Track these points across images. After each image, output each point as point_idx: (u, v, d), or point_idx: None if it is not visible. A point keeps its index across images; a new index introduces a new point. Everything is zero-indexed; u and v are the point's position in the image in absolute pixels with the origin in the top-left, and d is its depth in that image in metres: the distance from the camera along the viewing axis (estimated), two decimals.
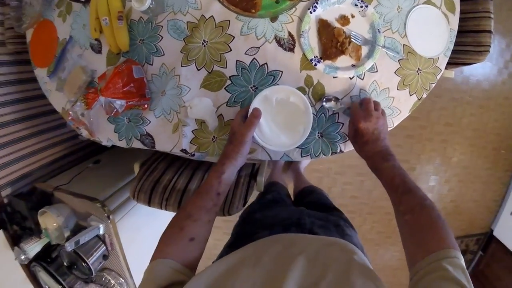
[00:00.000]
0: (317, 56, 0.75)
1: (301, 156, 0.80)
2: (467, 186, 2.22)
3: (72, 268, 1.10)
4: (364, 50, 0.77)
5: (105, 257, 1.13)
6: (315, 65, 0.74)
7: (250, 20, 0.76)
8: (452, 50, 0.82)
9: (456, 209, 2.26)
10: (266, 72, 0.77)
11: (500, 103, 2.10)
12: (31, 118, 1.25)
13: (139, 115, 0.87)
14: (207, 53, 0.79)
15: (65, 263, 1.10)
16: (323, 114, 0.78)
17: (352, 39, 0.75)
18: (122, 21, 0.83)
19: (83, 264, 1.05)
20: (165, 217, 0.90)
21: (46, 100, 1.02)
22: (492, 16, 0.92)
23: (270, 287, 0.40)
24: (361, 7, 0.74)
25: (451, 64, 0.96)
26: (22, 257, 1.11)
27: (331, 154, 0.80)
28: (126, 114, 0.88)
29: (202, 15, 0.78)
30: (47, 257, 1.20)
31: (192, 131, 0.82)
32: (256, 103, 0.69)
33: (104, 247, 1.12)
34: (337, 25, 0.75)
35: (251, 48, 0.77)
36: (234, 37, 0.77)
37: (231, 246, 0.68)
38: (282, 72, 0.77)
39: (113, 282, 1.19)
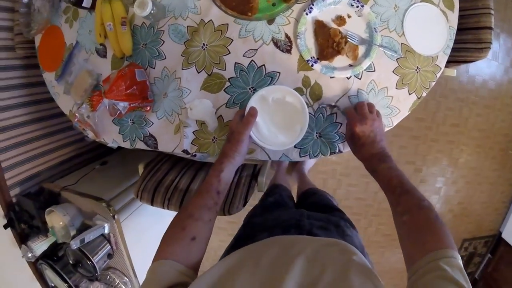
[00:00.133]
0: (314, 57, 0.76)
1: (300, 156, 0.81)
2: (474, 188, 2.18)
3: (77, 266, 1.13)
4: (361, 49, 0.78)
5: (109, 256, 1.16)
6: (312, 65, 0.76)
7: (248, 23, 0.78)
8: (453, 48, 0.82)
9: (464, 211, 2.22)
10: (264, 73, 0.79)
11: (507, 103, 2.06)
12: (40, 120, 1.30)
13: (143, 117, 0.89)
14: (206, 56, 0.81)
15: (70, 261, 1.13)
16: (321, 114, 0.79)
17: (348, 39, 0.75)
18: (125, 26, 0.86)
19: (88, 262, 1.07)
20: (170, 218, 0.91)
21: (54, 103, 1.06)
22: (492, 12, 0.90)
23: None
24: (357, 7, 0.75)
25: (452, 62, 0.95)
26: (29, 255, 1.14)
27: (330, 154, 0.81)
28: (130, 115, 0.91)
29: (202, 19, 0.81)
30: (54, 256, 1.23)
31: (193, 132, 0.84)
32: (252, 103, 0.70)
33: (109, 246, 1.15)
34: (333, 25, 0.76)
35: (249, 50, 0.79)
36: (232, 40, 0.79)
37: (232, 249, 0.69)
38: (279, 73, 0.78)
39: (117, 281, 1.21)
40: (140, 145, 0.91)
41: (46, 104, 1.30)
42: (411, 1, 0.78)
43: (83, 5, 0.90)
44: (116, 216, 1.12)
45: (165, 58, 0.86)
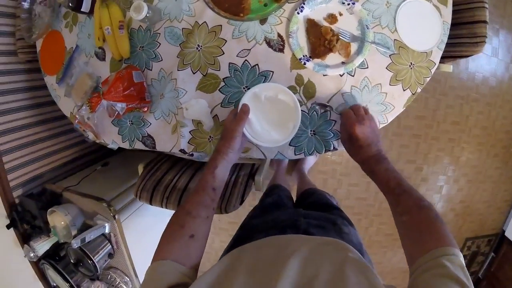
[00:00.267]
0: (306, 55, 0.77)
1: (295, 154, 0.82)
2: (476, 186, 2.16)
3: (78, 265, 1.14)
4: (354, 47, 0.78)
5: (110, 255, 1.17)
6: (305, 64, 0.77)
7: (241, 24, 0.79)
8: (448, 43, 0.81)
9: (466, 210, 2.19)
10: (258, 72, 0.80)
11: (508, 99, 2.04)
12: (43, 123, 1.32)
13: (141, 118, 0.91)
14: (201, 57, 0.83)
15: (72, 260, 1.15)
16: (315, 112, 0.80)
17: (340, 37, 0.76)
18: (123, 30, 0.89)
19: (89, 261, 1.09)
20: (170, 218, 0.93)
21: (56, 106, 1.08)
22: (486, 6, 0.89)
23: None
24: (348, 4, 0.76)
25: (448, 57, 0.95)
26: (31, 255, 1.16)
27: (325, 152, 0.82)
28: (129, 116, 0.93)
29: (196, 21, 0.82)
30: (56, 256, 1.25)
31: (189, 132, 0.86)
32: (245, 100, 0.71)
33: (110, 245, 1.17)
34: (325, 24, 0.77)
35: (242, 50, 0.80)
36: (226, 41, 0.81)
37: (231, 250, 0.69)
38: (273, 72, 0.79)
39: (118, 280, 1.23)
40: (139, 145, 0.92)
41: (48, 107, 1.33)
42: None
43: (82, 10, 0.93)
44: (116, 216, 1.14)
45: (162, 60, 0.88)
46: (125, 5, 0.90)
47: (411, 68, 0.80)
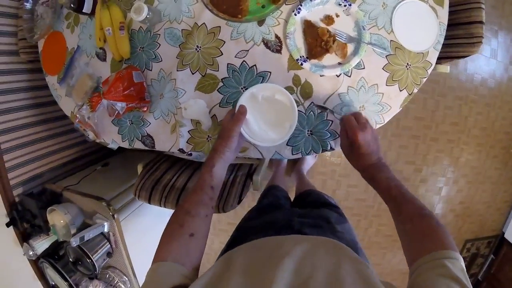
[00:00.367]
0: (303, 56, 0.78)
1: (292, 154, 0.83)
2: (476, 187, 2.16)
3: (77, 264, 1.15)
4: (350, 47, 0.79)
5: (109, 254, 1.18)
6: (302, 64, 0.77)
7: (239, 25, 0.81)
8: (445, 43, 0.82)
9: (466, 211, 2.19)
10: (256, 73, 0.81)
11: (507, 100, 2.04)
12: (44, 122, 1.34)
13: (140, 117, 0.92)
14: (200, 58, 0.84)
15: (70, 259, 1.16)
16: (312, 112, 0.81)
17: (336, 38, 0.77)
18: (123, 31, 0.90)
19: (88, 260, 1.10)
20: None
21: (57, 106, 1.09)
22: (483, 6, 0.90)
23: None
24: (345, 6, 0.77)
25: (444, 58, 0.95)
26: (31, 253, 1.17)
27: (322, 151, 0.82)
28: (128, 116, 0.94)
29: (195, 22, 0.84)
30: (55, 255, 1.26)
31: (188, 131, 0.87)
32: (242, 101, 0.72)
33: (109, 244, 1.17)
34: (321, 25, 0.78)
35: (240, 51, 0.81)
36: (224, 42, 0.82)
37: (225, 252, 0.69)
38: (270, 72, 0.80)
39: (116, 279, 1.23)
40: (138, 145, 0.93)
41: (49, 107, 1.34)
42: None
43: (83, 11, 0.94)
44: (115, 215, 1.14)
45: (161, 60, 0.89)
46: (125, 6, 0.91)
47: (407, 69, 0.81)
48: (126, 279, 1.27)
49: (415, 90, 0.82)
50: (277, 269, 0.42)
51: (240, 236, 0.76)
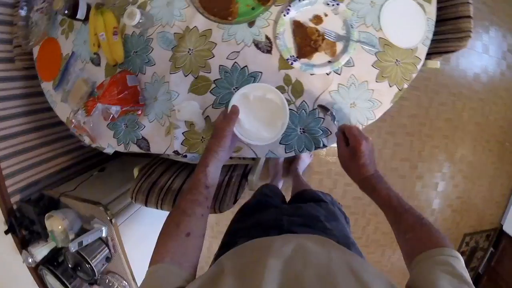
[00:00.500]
0: (293, 56, 0.79)
1: (286, 152, 0.84)
2: (473, 182, 2.17)
3: (76, 269, 1.15)
4: (339, 46, 0.80)
5: (108, 259, 1.18)
6: (292, 64, 0.79)
7: (230, 27, 0.82)
8: (434, 39, 0.83)
9: (463, 206, 2.21)
10: (247, 74, 0.82)
11: (500, 95, 2.07)
12: (40, 129, 1.34)
13: (135, 121, 0.93)
14: (193, 60, 0.85)
15: (70, 265, 1.16)
16: (303, 110, 0.82)
17: (325, 37, 0.79)
18: (117, 36, 0.91)
19: (87, 265, 1.10)
20: None
21: (53, 113, 1.10)
22: (470, 1, 0.91)
23: None
24: (333, 5, 0.78)
25: (434, 54, 0.96)
26: (30, 260, 1.17)
27: (315, 149, 0.83)
28: (123, 120, 0.95)
29: (187, 26, 0.85)
30: (54, 261, 1.26)
31: (182, 133, 0.88)
32: (234, 101, 0.73)
33: (107, 249, 1.17)
34: (310, 24, 0.80)
35: (232, 52, 0.82)
36: (216, 44, 0.83)
37: (218, 256, 0.70)
38: (261, 73, 0.82)
39: (116, 284, 1.23)
40: (134, 148, 0.94)
41: (45, 113, 1.35)
42: None
43: (77, 17, 0.95)
44: (113, 220, 1.15)
45: (155, 64, 0.90)
46: (119, 12, 0.93)
47: (397, 65, 0.82)
48: (126, 283, 1.27)
49: (405, 86, 0.83)
50: (265, 270, 0.42)
51: (230, 240, 0.76)
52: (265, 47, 0.81)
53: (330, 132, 0.81)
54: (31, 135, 1.30)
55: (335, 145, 0.82)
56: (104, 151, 1.00)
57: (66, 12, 0.93)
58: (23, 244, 1.25)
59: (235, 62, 0.82)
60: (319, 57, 0.80)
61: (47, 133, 1.37)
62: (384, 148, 1.97)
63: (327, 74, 0.81)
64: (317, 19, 0.79)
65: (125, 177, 1.40)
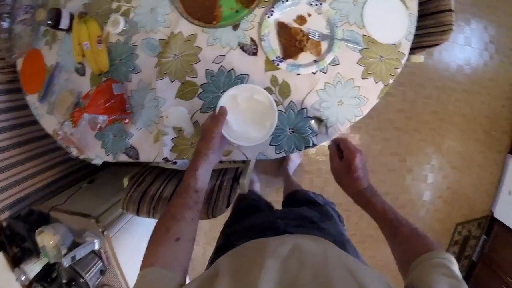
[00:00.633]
0: (279, 57, 0.80)
1: (276, 153, 0.84)
2: (462, 172, 2.22)
3: (71, 285, 1.13)
4: (324, 45, 0.81)
5: (102, 272, 1.16)
6: (278, 65, 0.79)
7: (215, 31, 0.82)
8: (417, 34, 0.84)
9: (454, 196, 2.25)
10: (234, 77, 0.82)
11: (485, 85, 2.11)
12: (26, 143, 1.31)
13: (123, 130, 0.92)
14: (178, 66, 0.85)
15: (64, 280, 1.13)
16: (291, 111, 0.82)
17: (310, 36, 0.79)
18: (101, 44, 0.90)
19: (81, 279, 1.08)
20: None
21: (38, 126, 1.07)
22: None
23: None
24: (316, 5, 0.79)
25: (417, 48, 0.97)
26: (23, 278, 1.14)
27: (305, 148, 0.84)
28: (111, 129, 0.93)
29: (172, 31, 0.85)
30: (48, 278, 1.23)
31: (171, 140, 0.87)
32: (222, 102, 0.73)
33: (101, 262, 1.15)
34: (295, 25, 0.80)
35: (218, 56, 0.83)
36: (201, 48, 0.83)
37: (214, 260, 0.70)
38: (248, 75, 0.82)
39: None
40: (123, 158, 0.93)
41: (31, 127, 1.32)
42: None
43: (61, 27, 0.94)
44: (105, 232, 1.13)
45: (140, 71, 0.90)
46: (102, 20, 0.92)
47: (381, 61, 0.83)
48: None
49: (391, 81, 0.84)
50: (261, 271, 0.42)
51: (225, 243, 0.76)
52: (251, 49, 0.81)
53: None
54: (17, 150, 1.26)
55: (324, 143, 0.83)
56: (93, 162, 0.98)
57: (49, 22, 0.92)
58: (15, 262, 1.21)
59: (221, 65, 0.83)
60: (305, 57, 0.81)
61: (34, 147, 1.34)
62: (372, 144, 2.00)
63: (313, 73, 0.81)
64: (301, 19, 0.80)
65: (115, 188, 1.37)
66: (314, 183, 1.99)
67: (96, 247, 1.13)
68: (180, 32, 0.84)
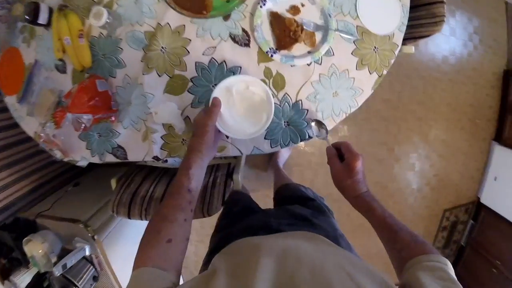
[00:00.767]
0: (272, 48, 0.77)
1: (271, 147, 0.82)
2: (448, 160, 2.27)
3: None
4: (318, 36, 0.80)
5: (95, 278, 1.12)
6: (272, 56, 0.77)
7: (204, 22, 0.79)
8: (409, 25, 0.84)
9: (441, 183, 2.30)
10: (226, 69, 0.79)
11: (469, 75, 2.17)
12: (5, 148, 1.23)
13: (109, 129, 0.88)
14: (166, 59, 0.81)
15: None
16: (286, 103, 0.81)
17: (304, 27, 0.77)
18: (83, 39, 0.85)
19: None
20: None
21: (18, 129, 1.01)
22: None
23: None
24: None
25: (409, 39, 0.98)
26: None
27: (301, 141, 0.82)
28: (96, 129, 0.89)
29: (158, 23, 0.81)
30: (39, 287, 1.17)
31: (161, 137, 0.83)
32: (215, 94, 0.70)
33: (93, 268, 1.11)
34: (288, 15, 0.78)
35: (208, 48, 0.79)
36: (190, 40, 0.79)
37: (206, 264, 0.67)
38: (241, 67, 0.79)
39: None
40: (110, 158, 0.89)
41: (10, 131, 1.23)
42: None
43: (39, 22, 0.88)
44: (95, 236, 1.08)
45: (125, 66, 0.85)
46: (83, 13, 0.86)
47: (375, 52, 0.82)
48: None
49: (385, 72, 0.84)
50: (257, 270, 0.42)
51: (219, 245, 0.74)
52: (243, 40, 0.78)
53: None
54: None
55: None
56: (77, 164, 0.93)
57: (27, 17, 0.85)
58: (3, 274, 1.14)
59: (212, 57, 0.79)
60: (299, 48, 0.79)
61: (14, 151, 1.26)
62: (360, 135, 2.02)
63: (308, 64, 0.79)
64: (294, 9, 0.78)
65: (102, 189, 1.32)
66: (304, 175, 1.99)
67: (87, 252, 1.08)
68: (167, 23, 0.80)
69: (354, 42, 0.81)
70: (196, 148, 0.64)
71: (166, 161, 0.84)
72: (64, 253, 1.11)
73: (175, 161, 0.85)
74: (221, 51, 0.79)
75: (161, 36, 0.80)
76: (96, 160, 0.90)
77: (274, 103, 0.77)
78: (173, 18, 0.79)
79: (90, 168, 1.58)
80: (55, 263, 1.06)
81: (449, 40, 2.08)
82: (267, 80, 0.80)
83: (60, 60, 0.91)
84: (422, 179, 2.26)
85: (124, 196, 0.97)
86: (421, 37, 1.01)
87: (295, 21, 0.77)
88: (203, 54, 0.79)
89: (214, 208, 0.89)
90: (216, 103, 0.67)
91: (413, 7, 0.85)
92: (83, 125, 0.81)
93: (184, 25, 0.79)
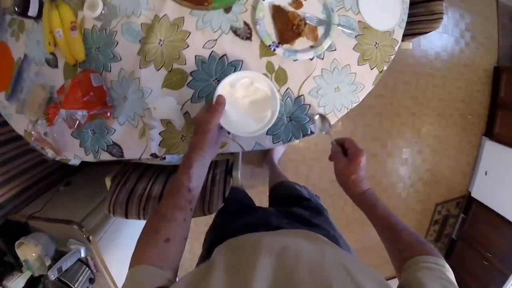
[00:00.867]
0: (275, 42, 0.76)
1: (273, 143, 0.81)
2: (440, 154, 2.31)
3: None
4: (320, 30, 0.78)
5: (91, 280, 1.10)
6: (274, 50, 0.75)
7: (205, 14, 0.76)
8: (407, 21, 0.84)
9: (433, 177, 2.35)
10: (227, 63, 0.77)
11: (460, 71, 2.21)
12: None
13: (104, 125, 0.84)
14: (164, 52, 0.78)
15: None
16: (289, 98, 0.79)
17: (307, 21, 0.76)
18: (75, 31, 0.81)
19: None
20: None
21: (8, 127, 0.96)
22: None
23: None
24: None
25: (408, 35, 1.00)
26: None
27: (303, 137, 0.81)
28: (90, 126, 0.85)
29: (156, 14, 0.77)
30: None
31: (159, 134, 0.81)
32: (219, 91, 0.68)
33: (89, 270, 1.08)
34: (290, 9, 0.76)
35: (208, 41, 0.77)
36: (190, 33, 0.77)
37: (202, 260, 0.66)
38: (242, 61, 0.77)
39: None
40: (105, 156, 0.85)
41: None
42: None
43: (29, 14, 0.83)
44: (90, 237, 1.05)
45: (121, 59, 0.81)
46: (76, 4, 0.82)
47: (376, 48, 0.82)
48: None
49: (385, 68, 0.84)
50: (256, 268, 0.41)
51: (219, 241, 0.74)
52: (244, 33, 0.76)
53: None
54: None
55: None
56: (70, 163, 0.89)
57: (16, 9, 0.81)
58: None
59: (213, 51, 0.77)
60: (302, 42, 0.77)
61: (3, 151, 1.21)
62: (354, 130, 2.03)
63: (310, 59, 0.78)
64: (297, 3, 0.76)
65: (95, 188, 1.28)
66: (299, 170, 1.99)
67: (82, 254, 1.05)
68: (165, 15, 0.77)
69: (355, 37, 0.80)
70: (198, 146, 0.62)
71: (165, 158, 0.82)
72: (58, 255, 1.08)
73: (173, 158, 0.82)
74: (221, 44, 0.77)
75: (159, 29, 0.77)
76: (90, 158, 0.86)
77: None
78: (172, 9, 0.76)
79: (82, 167, 1.54)
80: (50, 266, 1.02)
81: (442, 36, 2.12)
82: (269, 75, 0.78)
83: (51, 54, 0.87)
84: (414, 174, 2.30)
85: (121, 195, 0.94)
86: (419, 33, 1.02)
87: (298, 15, 0.75)
88: (203, 47, 0.77)
89: (215, 206, 0.87)
90: (221, 100, 0.65)
91: (412, 4, 0.85)
92: (78, 121, 0.78)
93: (183, 17, 0.77)
